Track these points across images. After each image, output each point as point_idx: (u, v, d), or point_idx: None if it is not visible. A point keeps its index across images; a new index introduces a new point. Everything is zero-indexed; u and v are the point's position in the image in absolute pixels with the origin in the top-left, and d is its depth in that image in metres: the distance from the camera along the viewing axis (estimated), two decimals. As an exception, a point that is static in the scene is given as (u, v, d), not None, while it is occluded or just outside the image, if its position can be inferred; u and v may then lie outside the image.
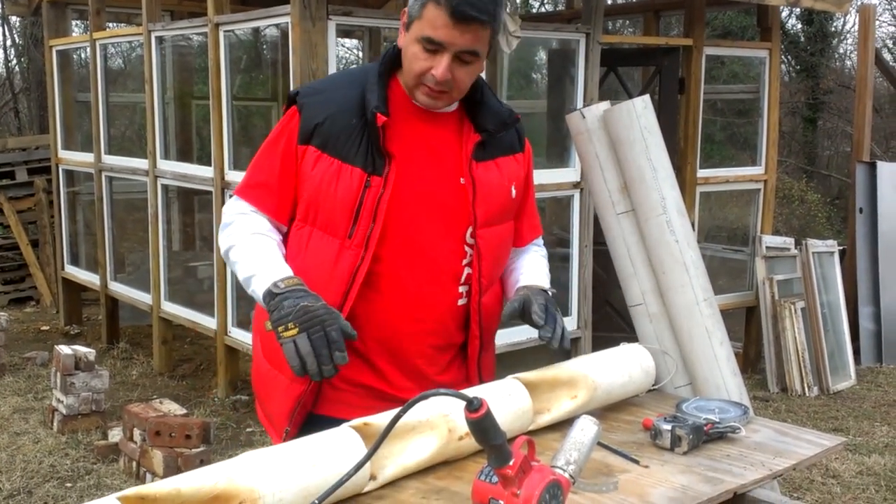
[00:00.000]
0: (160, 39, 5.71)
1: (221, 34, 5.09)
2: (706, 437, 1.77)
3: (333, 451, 1.46)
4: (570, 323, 5.30)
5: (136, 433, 4.08)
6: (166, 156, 5.87)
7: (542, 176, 5.28)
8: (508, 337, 5.11)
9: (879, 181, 6.50)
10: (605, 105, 2.26)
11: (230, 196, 1.99)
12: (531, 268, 2.06)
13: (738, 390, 2.15)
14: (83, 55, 7.16)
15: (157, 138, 5.75)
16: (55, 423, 4.70)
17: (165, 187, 5.86)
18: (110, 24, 7.81)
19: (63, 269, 7.18)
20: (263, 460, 1.40)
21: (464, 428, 1.53)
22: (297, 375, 1.62)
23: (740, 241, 7.41)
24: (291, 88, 3.28)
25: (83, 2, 6.57)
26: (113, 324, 6.62)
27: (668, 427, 1.75)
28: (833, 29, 13.52)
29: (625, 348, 2.05)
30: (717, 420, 1.82)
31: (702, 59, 5.84)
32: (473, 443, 1.43)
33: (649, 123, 2.17)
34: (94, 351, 4.81)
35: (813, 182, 12.19)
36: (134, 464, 4.10)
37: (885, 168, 6.61)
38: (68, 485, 4.09)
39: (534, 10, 14.15)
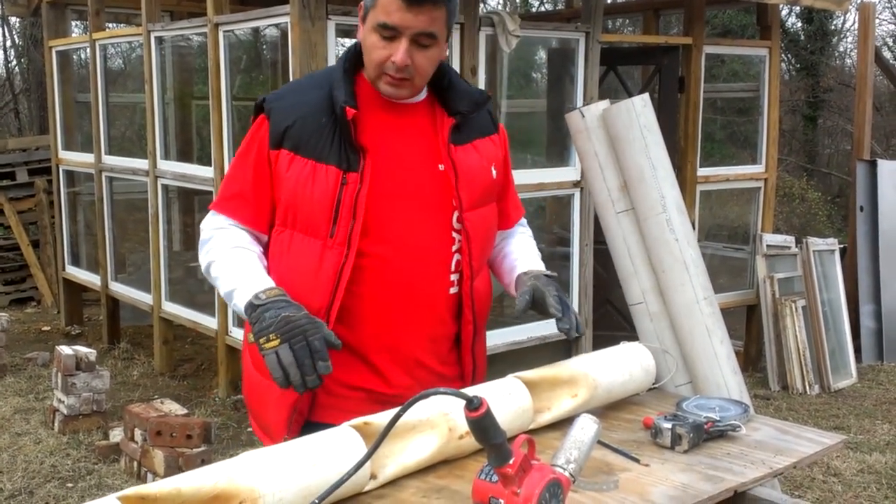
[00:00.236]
0: (160, 40, 5.72)
1: (221, 34, 5.09)
2: (707, 435, 1.77)
3: (334, 450, 1.46)
4: (570, 322, 5.29)
5: (138, 433, 4.08)
6: (166, 156, 5.87)
7: (542, 175, 5.29)
8: (508, 336, 5.12)
9: (880, 179, 6.50)
10: (604, 104, 2.26)
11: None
12: (524, 252, 2.06)
13: (738, 388, 2.15)
14: (83, 56, 7.16)
15: (157, 138, 5.76)
16: (56, 424, 4.70)
17: (166, 187, 5.86)
18: (110, 25, 7.81)
19: (64, 269, 7.18)
20: (264, 460, 1.40)
21: (464, 427, 1.53)
22: (280, 387, 1.61)
23: (741, 239, 7.41)
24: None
25: (83, 2, 6.58)
26: (114, 324, 6.63)
27: (668, 425, 1.75)
28: (833, 27, 13.52)
29: (625, 347, 2.05)
30: (718, 418, 1.82)
31: (702, 57, 5.84)
32: (474, 442, 1.43)
33: (649, 122, 2.17)
34: (94, 351, 4.81)
35: (813, 180, 12.18)
36: (135, 464, 4.11)
37: (885, 166, 6.60)
38: (69, 485, 4.10)
39: (533, 10, 14.15)
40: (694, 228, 4.80)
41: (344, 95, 1.78)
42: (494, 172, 1.96)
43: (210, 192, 5.31)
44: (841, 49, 14.81)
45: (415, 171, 1.85)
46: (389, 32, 1.74)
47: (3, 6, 10.78)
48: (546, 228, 6.60)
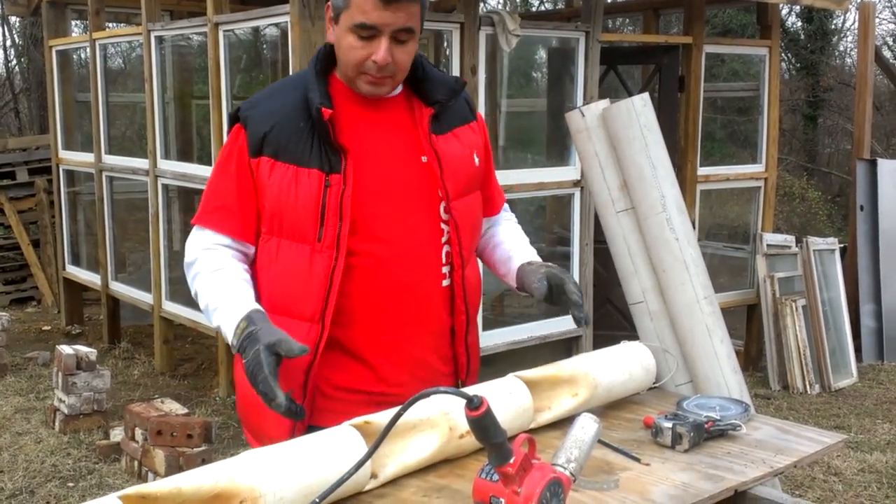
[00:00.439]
0: (160, 39, 5.71)
1: (221, 34, 5.09)
2: (707, 434, 1.77)
3: (334, 449, 1.46)
4: (570, 321, 5.29)
5: (138, 433, 4.08)
6: (166, 155, 5.87)
7: (542, 174, 5.29)
8: (509, 336, 5.12)
9: (880, 178, 6.50)
10: (604, 103, 2.26)
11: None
12: (517, 241, 2.07)
13: (738, 388, 2.15)
14: (83, 55, 7.16)
15: (157, 138, 5.76)
16: (57, 423, 4.70)
17: (166, 187, 5.86)
18: (110, 24, 7.81)
19: (64, 269, 7.18)
20: (264, 459, 1.40)
21: (464, 426, 1.53)
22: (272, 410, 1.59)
23: (741, 238, 7.41)
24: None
25: (83, 2, 6.58)
26: (114, 323, 6.63)
27: (668, 425, 1.75)
28: (833, 26, 13.51)
29: (625, 346, 2.05)
30: (718, 418, 1.82)
31: (702, 56, 5.84)
32: (474, 441, 1.43)
33: (649, 121, 2.17)
34: (95, 351, 4.81)
35: (813, 179, 12.18)
36: (136, 463, 4.11)
37: (885, 165, 6.60)
38: (70, 484, 4.10)
39: (533, 9, 14.15)
40: (694, 228, 4.80)
41: (318, 97, 1.76)
42: (477, 160, 1.95)
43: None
44: (841, 48, 14.82)
45: (398, 165, 1.83)
46: (368, 32, 1.72)
47: (3, 6, 10.77)
48: (546, 228, 6.61)
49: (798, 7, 11.30)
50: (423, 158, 1.85)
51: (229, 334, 1.71)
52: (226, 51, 5.12)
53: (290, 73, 4.53)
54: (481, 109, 4.84)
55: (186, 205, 6.72)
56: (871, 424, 5.07)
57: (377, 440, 1.41)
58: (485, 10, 5.38)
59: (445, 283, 1.88)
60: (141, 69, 5.93)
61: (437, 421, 1.61)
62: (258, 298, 1.81)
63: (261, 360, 1.58)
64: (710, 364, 2.14)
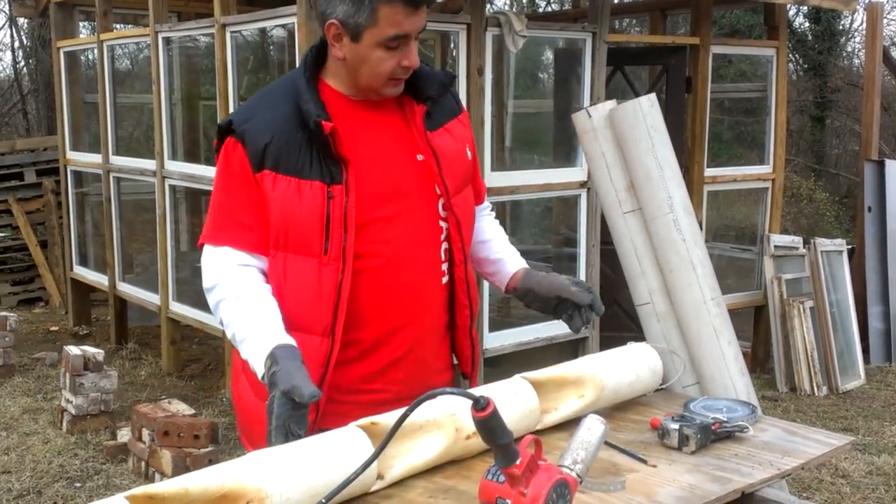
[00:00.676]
0: (167, 40, 5.73)
1: (228, 35, 5.10)
2: (714, 436, 1.77)
3: (341, 450, 1.46)
4: (577, 322, 5.29)
5: (145, 433, 4.09)
6: (174, 156, 5.88)
7: (549, 175, 5.28)
8: (515, 337, 5.11)
9: (888, 179, 6.47)
10: (611, 104, 2.26)
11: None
12: (505, 242, 2.07)
13: (745, 389, 2.15)
14: (91, 56, 7.18)
15: (164, 139, 5.77)
16: (64, 424, 4.71)
17: (173, 188, 5.88)
18: (117, 26, 7.83)
19: (72, 269, 7.20)
20: (271, 460, 1.40)
21: (471, 427, 1.53)
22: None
23: (748, 240, 7.39)
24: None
25: (90, 3, 6.59)
26: (121, 324, 6.64)
27: (675, 426, 1.75)
28: (841, 27, 13.47)
29: (632, 347, 2.05)
30: (725, 419, 1.81)
31: (709, 57, 5.83)
32: (481, 442, 1.42)
33: (655, 122, 2.17)
34: (102, 351, 4.82)
35: (821, 181, 12.14)
36: (143, 464, 4.11)
37: (893, 166, 6.58)
38: (77, 485, 4.11)
39: (540, 10, 14.14)
40: (701, 229, 4.79)
41: (315, 108, 1.74)
42: (469, 153, 1.95)
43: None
44: (849, 49, 14.77)
45: (395, 167, 1.82)
46: (398, 41, 1.72)
47: (11, 7, 10.81)
48: (553, 229, 6.60)
49: (806, 8, 11.28)
50: (419, 157, 1.84)
51: (258, 371, 1.67)
52: (233, 52, 5.13)
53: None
54: (487, 110, 4.84)
55: (193, 206, 6.74)
56: (879, 426, 5.05)
57: (383, 441, 1.41)
58: (491, 11, 5.37)
59: (444, 280, 1.89)
60: (148, 70, 5.95)
61: (443, 422, 1.61)
62: None
63: (273, 409, 1.54)
64: (718, 365, 2.14)
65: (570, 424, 1.79)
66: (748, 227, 8.10)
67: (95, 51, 6.46)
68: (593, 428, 1.46)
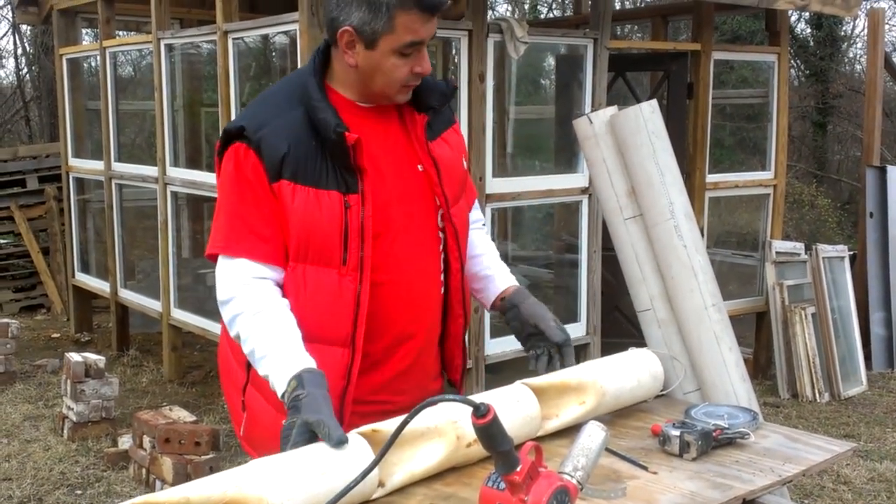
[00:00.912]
0: (169, 47, 5.74)
1: (230, 42, 5.11)
2: (715, 442, 1.77)
3: (342, 458, 1.46)
4: (578, 328, 5.29)
5: (146, 440, 4.09)
6: (176, 163, 5.89)
7: (550, 181, 5.29)
8: (516, 343, 5.08)
9: (890, 185, 6.47)
10: (612, 110, 2.26)
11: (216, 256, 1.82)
12: (495, 258, 2.07)
13: (747, 396, 2.14)
14: (93, 63, 7.19)
15: (166, 146, 5.77)
16: (65, 431, 4.71)
17: (175, 194, 5.88)
18: (120, 33, 7.84)
19: (73, 276, 7.21)
20: (272, 468, 1.40)
21: (472, 434, 1.53)
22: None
23: (750, 246, 7.39)
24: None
25: (93, 10, 6.61)
26: (123, 331, 6.64)
27: (676, 433, 1.74)
28: (842, 33, 13.48)
29: (633, 353, 2.05)
30: (726, 426, 1.81)
31: (710, 63, 5.83)
32: (481, 449, 1.42)
33: (657, 128, 2.17)
34: (104, 358, 4.82)
35: (823, 186, 12.14)
36: (144, 471, 4.11)
37: (895, 172, 6.58)
38: (78, 492, 4.10)
39: (542, 16, 14.16)
40: (702, 235, 4.78)
41: (333, 118, 1.71)
42: (465, 162, 1.95)
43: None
44: (850, 55, 14.78)
45: (400, 176, 1.82)
46: (413, 48, 1.72)
47: (14, 14, 10.84)
48: (554, 235, 6.60)
49: (807, 14, 11.29)
50: (419, 167, 1.83)
51: (278, 389, 1.64)
52: (235, 59, 5.13)
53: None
54: (489, 116, 4.84)
55: (195, 212, 6.75)
56: (881, 433, 5.04)
57: (384, 448, 1.41)
58: (493, 17, 5.38)
59: (442, 290, 1.90)
60: (150, 77, 5.95)
61: (444, 429, 1.61)
62: None
63: (291, 436, 1.51)
64: (719, 372, 2.13)
65: (570, 431, 1.78)
66: (750, 233, 8.10)
67: (98, 58, 6.47)
68: (594, 435, 1.46)
